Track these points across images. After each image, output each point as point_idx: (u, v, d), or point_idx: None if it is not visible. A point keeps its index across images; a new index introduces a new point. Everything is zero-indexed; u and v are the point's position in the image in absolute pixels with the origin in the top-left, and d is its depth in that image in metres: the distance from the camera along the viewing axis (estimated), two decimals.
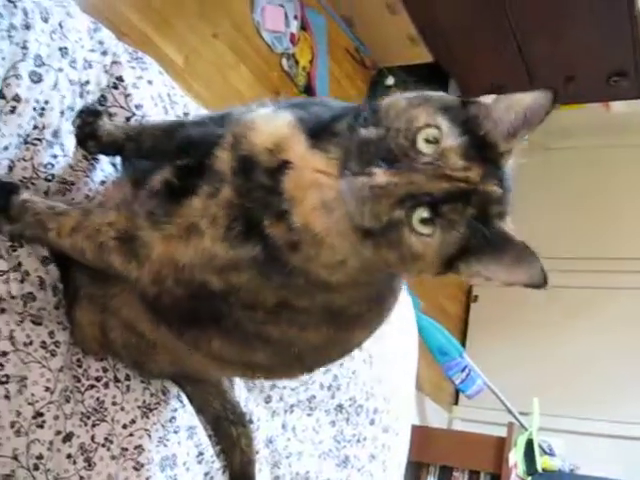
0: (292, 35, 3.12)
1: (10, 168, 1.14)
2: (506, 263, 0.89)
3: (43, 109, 1.16)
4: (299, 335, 1.08)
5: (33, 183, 1.17)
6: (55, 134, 1.19)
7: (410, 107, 0.89)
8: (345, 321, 1.08)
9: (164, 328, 1.13)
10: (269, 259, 0.96)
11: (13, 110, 1.11)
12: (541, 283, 0.89)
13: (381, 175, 0.85)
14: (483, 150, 0.88)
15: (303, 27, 3.22)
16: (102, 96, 1.30)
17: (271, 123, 0.99)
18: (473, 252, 0.88)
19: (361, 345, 1.23)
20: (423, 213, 0.86)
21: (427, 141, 0.87)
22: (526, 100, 0.89)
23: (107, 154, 1.28)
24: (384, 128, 0.88)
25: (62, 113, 1.20)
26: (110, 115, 1.30)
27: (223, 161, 0.98)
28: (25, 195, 1.11)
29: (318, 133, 0.94)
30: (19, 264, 1.14)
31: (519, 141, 0.91)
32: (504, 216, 0.90)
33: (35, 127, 1.15)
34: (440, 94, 0.94)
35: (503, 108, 0.89)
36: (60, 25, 1.20)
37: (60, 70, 1.18)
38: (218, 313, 1.06)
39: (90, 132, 1.23)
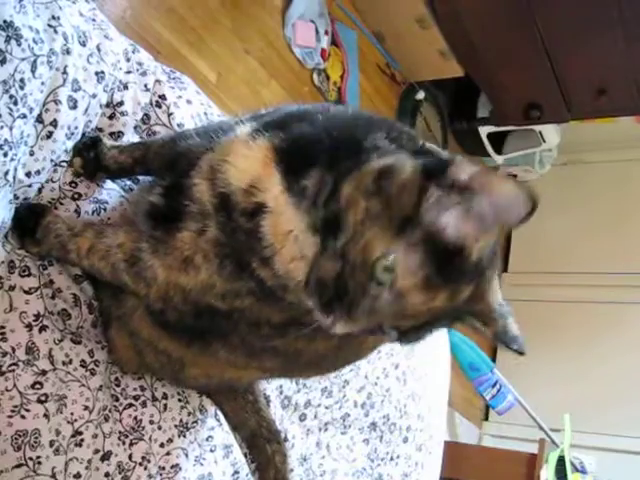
0: (323, 50, 3.13)
1: (39, 191, 1.15)
2: None
3: (72, 134, 1.17)
4: (308, 346, 1.07)
5: (62, 203, 1.18)
6: None
7: (367, 222, 0.82)
8: None
9: (176, 342, 1.14)
10: (264, 292, 0.95)
11: (49, 135, 1.12)
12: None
13: (341, 326, 0.84)
14: (449, 259, 0.81)
15: (334, 42, 3.23)
16: (145, 115, 1.32)
17: (246, 157, 0.93)
18: None
19: (379, 346, 1.21)
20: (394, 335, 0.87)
21: (385, 269, 0.80)
22: (505, 196, 0.78)
23: (118, 179, 1.28)
24: (340, 257, 0.82)
25: (84, 135, 1.21)
26: (153, 134, 1.31)
27: (202, 192, 0.96)
28: (50, 217, 1.12)
29: (293, 175, 0.90)
30: (50, 281, 1.15)
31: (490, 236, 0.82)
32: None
33: (66, 151, 1.17)
34: (401, 181, 0.82)
35: (475, 200, 0.79)
36: (98, 48, 1.21)
37: (94, 96, 1.19)
38: (223, 329, 1.06)
39: (95, 166, 1.21)
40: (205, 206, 0.95)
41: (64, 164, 1.18)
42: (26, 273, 1.10)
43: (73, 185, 1.19)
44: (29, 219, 1.12)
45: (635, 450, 3.92)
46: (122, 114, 1.28)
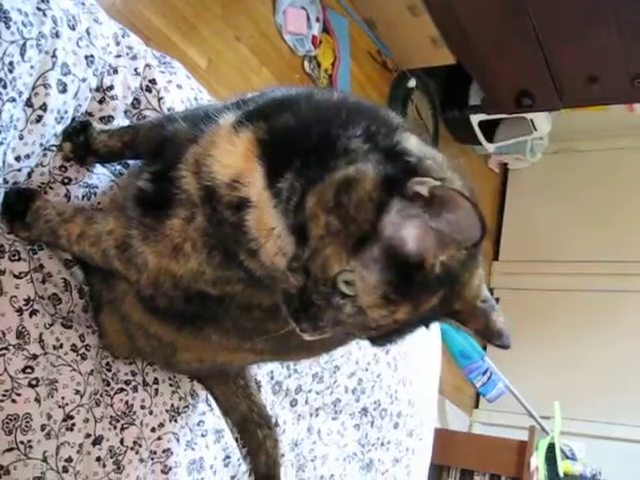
0: (314, 37, 3.12)
1: (29, 175, 1.15)
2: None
3: (62, 118, 1.16)
4: None
5: (52, 187, 1.18)
6: None
7: (326, 239, 0.82)
8: None
9: (167, 327, 1.14)
10: (255, 280, 0.96)
11: (39, 119, 1.11)
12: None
13: (308, 336, 0.87)
14: (409, 274, 0.81)
15: (325, 29, 3.22)
16: (135, 99, 1.31)
17: (229, 152, 0.94)
18: None
19: None
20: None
21: (346, 283, 0.82)
22: (459, 221, 0.78)
23: (107, 163, 1.27)
24: (302, 271, 0.84)
25: (74, 119, 1.21)
26: (144, 118, 1.31)
27: (189, 184, 0.96)
28: (39, 202, 1.12)
29: (275, 168, 0.90)
30: (40, 266, 1.15)
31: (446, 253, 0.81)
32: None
33: (55, 135, 1.16)
34: (359, 197, 0.82)
35: (431, 222, 0.79)
36: (87, 32, 1.21)
37: (83, 80, 1.18)
38: (214, 314, 1.06)
39: (85, 151, 1.20)
40: (192, 197, 0.96)
41: (54, 148, 1.17)
42: (16, 257, 1.10)
43: (63, 169, 1.19)
44: (18, 203, 1.11)
45: (624, 437, 3.95)
46: (112, 98, 1.27)
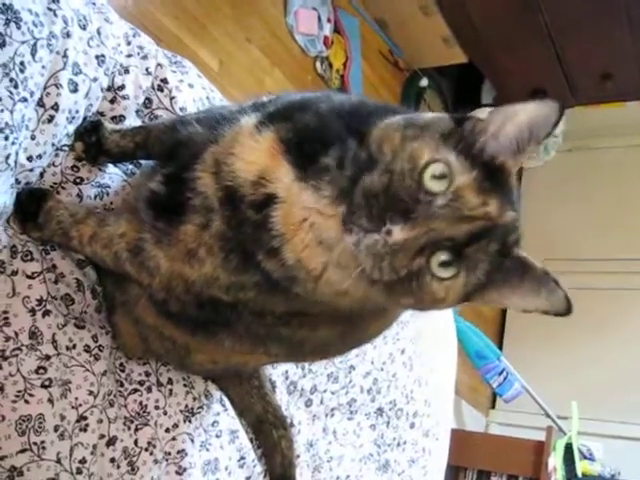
0: (325, 38, 3.12)
1: (41, 175, 1.15)
2: (524, 291, 0.86)
3: (74, 118, 1.16)
4: (311, 334, 1.06)
5: (64, 187, 1.18)
6: None
7: (406, 140, 0.83)
8: (358, 317, 1.03)
9: (181, 330, 1.13)
10: (271, 285, 0.94)
11: (51, 119, 1.11)
12: (564, 311, 0.86)
13: (398, 232, 0.79)
14: (493, 175, 0.83)
15: (336, 30, 3.22)
16: (147, 99, 1.31)
17: (253, 149, 0.92)
18: (491, 283, 0.85)
19: (384, 331, 1.18)
20: (442, 256, 0.81)
21: (434, 177, 0.80)
22: (529, 112, 0.83)
23: (119, 162, 1.27)
24: (386, 172, 0.81)
25: (85, 119, 1.20)
26: (155, 118, 1.31)
27: (207, 186, 0.94)
28: (51, 202, 1.12)
29: (305, 161, 0.89)
30: (53, 266, 1.14)
31: (525, 156, 0.85)
32: (519, 242, 0.87)
33: (67, 135, 1.16)
34: (430, 117, 0.87)
35: (502, 122, 0.83)
36: (98, 32, 1.20)
37: (95, 80, 1.18)
38: (227, 319, 1.05)
39: (97, 150, 1.19)
40: (209, 200, 0.94)
41: (66, 148, 1.17)
42: (28, 258, 1.09)
43: (75, 169, 1.19)
44: (31, 204, 1.11)
45: None
46: (123, 98, 1.26)
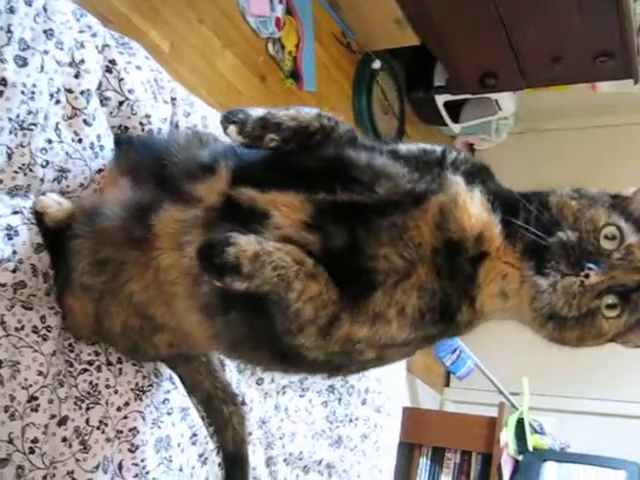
0: (277, 19, 3.11)
1: (9, 156, 1.14)
2: None
3: (33, 93, 1.16)
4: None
5: (31, 170, 1.17)
6: (46, 118, 1.19)
7: (584, 208, 0.99)
8: None
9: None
10: (436, 334, 1.02)
11: (1, 94, 1.11)
12: None
13: (594, 276, 0.94)
14: None
15: (288, 11, 3.20)
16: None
17: (475, 206, 0.98)
18: (635, 327, 1.00)
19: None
20: (609, 300, 0.96)
21: (606, 237, 0.96)
22: None
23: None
24: (575, 230, 0.96)
25: (51, 96, 1.20)
26: (104, 99, 1.31)
27: (424, 236, 0.96)
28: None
29: (504, 219, 0.99)
30: (14, 252, 1.14)
31: None
32: None
33: (29, 112, 1.16)
34: (596, 192, 1.04)
35: None
36: (44, 8, 1.20)
37: (46, 52, 1.18)
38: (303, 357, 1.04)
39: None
40: (420, 249, 0.96)
41: (33, 127, 1.16)
42: None
43: (44, 152, 1.19)
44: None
45: (590, 411, 4.02)
46: (86, 72, 1.26)
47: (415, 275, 0.95)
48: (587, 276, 0.93)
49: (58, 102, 1.22)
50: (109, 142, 1.31)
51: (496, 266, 0.98)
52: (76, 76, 1.25)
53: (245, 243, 0.90)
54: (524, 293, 0.96)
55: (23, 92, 1.14)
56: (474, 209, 0.98)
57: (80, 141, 1.26)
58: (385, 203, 0.97)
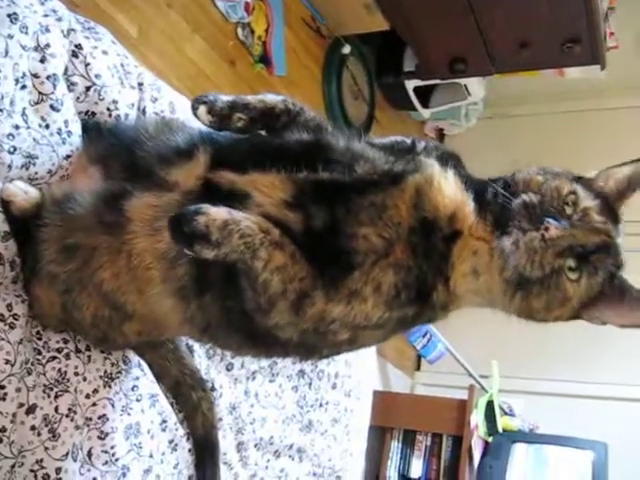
0: (247, 4, 3.08)
1: None
2: (624, 310, 1.03)
3: None
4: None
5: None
6: (12, 103, 1.18)
7: (549, 180, 1.03)
8: None
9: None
10: (413, 316, 1.03)
11: None
12: None
13: (554, 229, 0.97)
14: (608, 211, 1.03)
15: None
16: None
17: (449, 186, 1.01)
18: (601, 298, 1.02)
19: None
20: (570, 262, 0.98)
21: (567, 204, 1.00)
22: (625, 170, 1.08)
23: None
24: (538, 194, 1.00)
25: (17, 81, 1.18)
26: (71, 84, 1.30)
27: (402, 216, 0.99)
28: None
29: (475, 199, 1.02)
30: None
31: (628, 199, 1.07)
32: (623, 266, 1.03)
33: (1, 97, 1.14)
34: (561, 170, 1.09)
35: (606, 178, 1.08)
36: None
37: (10, 37, 1.16)
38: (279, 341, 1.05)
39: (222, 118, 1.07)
40: (398, 228, 0.98)
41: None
42: None
43: (10, 137, 1.17)
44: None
45: (559, 392, 4.09)
46: (52, 56, 1.25)
47: (393, 254, 0.98)
48: (547, 229, 0.96)
49: (24, 87, 1.21)
50: (77, 128, 1.29)
51: (468, 244, 1.00)
52: (42, 60, 1.23)
53: (215, 212, 0.92)
54: (494, 266, 0.99)
55: None
56: (448, 189, 1.01)
57: (47, 127, 1.24)
58: (364, 182, 1.00)
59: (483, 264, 1.00)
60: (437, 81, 4.03)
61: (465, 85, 4.09)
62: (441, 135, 4.91)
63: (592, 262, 0.99)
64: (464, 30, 3.50)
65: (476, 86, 4.14)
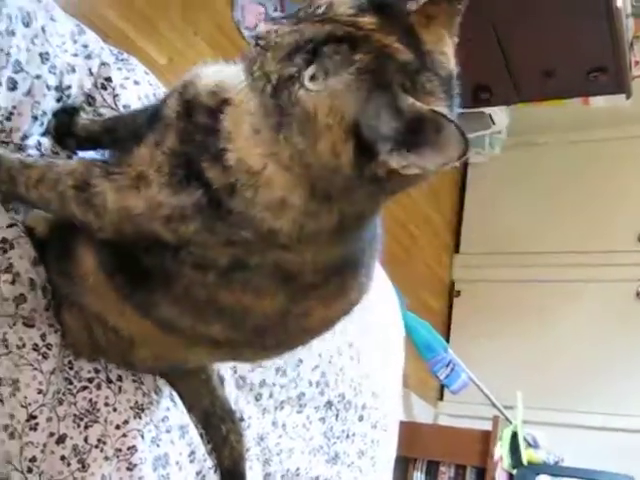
0: None
1: None
2: (430, 145, 0.80)
3: (11, 113, 1.15)
4: (252, 303, 1.04)
5: None
6: (24, 138, 1.19)
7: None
8: (299, 290, 1.04)
9: (129, 306, 1.11)
10: (211, 206, 0.93)
11: None
12: (464, 150, 0.78)
13: (262, 24, 0.84)
14: (391, 13, 0.84)
15: None
16: (90, 97, 1.31)
17: (219, 70, 0.99)
18: (387, 139, 0.82)
19: (326, 329, 1.19)
20: (313, 70, 0.81)
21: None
22: None
23: (85, 149, 1.27)
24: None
25: (35, 118, 1.20)
26: (99, 116, 1.31)
27: (170, 106, 0.98)
28: (0, 150, 1.11)
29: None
30: (10, 265, 1.13)
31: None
32: (412, 88, 0.82)
33: (2, 131, 1.15)
34: None
35: None
36: (42, 30, 1.20)
37: (38, 77, 1.18)
38: (168, 272, 1.03)
39: (67, 130, 1.23)
40: (169, 117, 0.97)
41: (4, 145, 1.16)
42: None
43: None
44: None
45: (584, 424, 4.03)
46: (68, 97, 1.27)
47: (167, 138, 0.96)
48: (256, 27, 0.85)
49: (42, 124, 1.23)
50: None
51: (242, 108, 0.91)
52: (58, 100, 1.25)
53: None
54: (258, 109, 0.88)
55: (2, 115, 1.13)
56: (206, 69, 1.00)
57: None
58: None
59: (260, 121, 0.88)
60: (461, 110, 4.03)
61: (490, 114, 4.09)
62: (465, 163, 4.91)
63: (324, 55, 0.80)
64: (489, 59, 3.49)
65: (500, 115, 4.14)
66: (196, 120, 0.95)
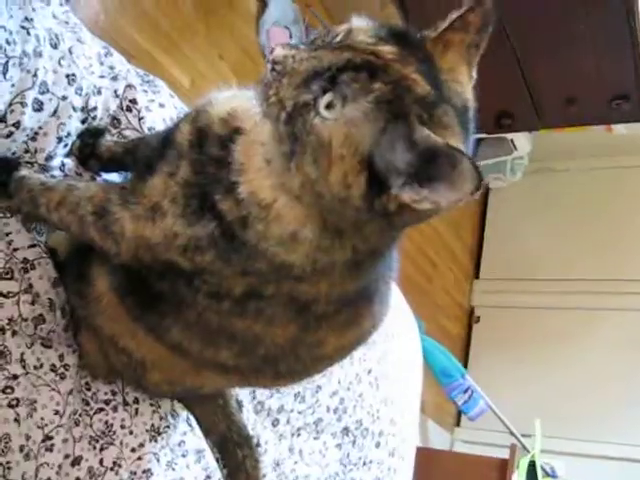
0: None
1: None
2: (444, 179, 0.77)
3: (36, 134, 1.16)
4: (264, 331, 1.03)
5: None
6: (49, 158, 1.20)
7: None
8: (312, 320, 1.02)
9: (140, 328, 1.11)
10: (225, 238, 0.93)
11: (9, 135, 1.11)
12: (477, 186, 0.76)
13: (279, 49, 0.82)
14: (410, 43, 0.83)
15: None
16: (115, 119, 1.32)
17: (221, 94, 1.00)
18: (400, 172, 0.80)
19: (341, 358, 1.18)
20: (329, 98, 0.79)
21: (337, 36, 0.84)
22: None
23: (108, 171, 1.29)
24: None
25: (60, 139, 1.21)
26: (123, 138, 1.32)
27: (182, 133, 0.98)
28: (24, 172, 1.12)
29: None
30: (30, 285, 1.14)
31: None
32: (428, 120, 0.80)
33: (27, 151, 1.16)
34: None
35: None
36: (70, 51, 1.21)
37: (64, 98, 1.18)
38: (181, 298, 1.03)
39: (90, 152, 1.25)
40: (182, 146, 0.97)
41: (29, 166, 1.17)
42: (8, 276, 1.10)
43: None
44: (2, 172, 1.11)
45: (602, 454, 3.98)
46: (94, 119, 1.28)
47: (181, 168, 0.95)
48: (272, 51, 0.82)
49: (66, 146, 1.24)
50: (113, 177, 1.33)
51: (254, 138, 0.90)
52: (83, 122, 1.26)
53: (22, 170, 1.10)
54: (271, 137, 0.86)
55: (27, 135, 1.14)
56: (219, 96, 0.99)
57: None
58: None
59: (272, 150, 0.86)
60: (483, 135, 4.02)
61: (511, 139, 4.08)
62: (486, 189, 4.89)
63: (342, 83, 0.79)
64: (511, 84, 3.49)
65: (522, 140, 4.13)
66: (208, 151, 0.94)
